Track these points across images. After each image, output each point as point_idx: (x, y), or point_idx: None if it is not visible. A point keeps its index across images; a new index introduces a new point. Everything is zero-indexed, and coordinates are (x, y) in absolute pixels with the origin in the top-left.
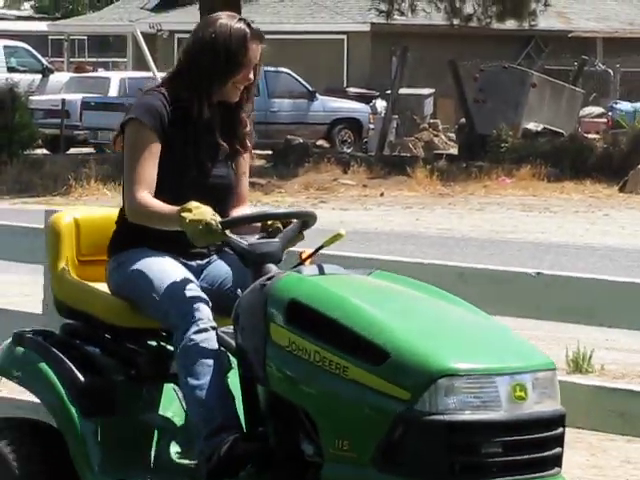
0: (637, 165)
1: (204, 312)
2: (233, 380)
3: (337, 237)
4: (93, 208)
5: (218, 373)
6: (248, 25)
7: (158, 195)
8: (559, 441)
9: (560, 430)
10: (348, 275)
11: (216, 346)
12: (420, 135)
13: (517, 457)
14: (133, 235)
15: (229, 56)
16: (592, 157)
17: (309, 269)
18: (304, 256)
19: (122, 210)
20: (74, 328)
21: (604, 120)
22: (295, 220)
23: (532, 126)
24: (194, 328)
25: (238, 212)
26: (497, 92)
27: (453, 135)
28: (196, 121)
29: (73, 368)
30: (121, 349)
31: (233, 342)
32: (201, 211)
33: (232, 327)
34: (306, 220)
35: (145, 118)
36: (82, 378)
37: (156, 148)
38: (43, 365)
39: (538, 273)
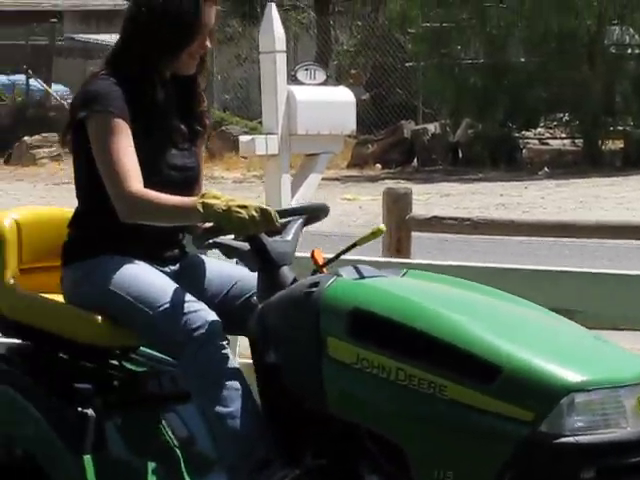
0: (21, 138)
1: (216, 326)
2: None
3: (377, 233)
4: (31, 208)
5: (248, 397)
6: None
7: None
8: None
9: None
10: (401, 278)
11: (237, 365)
12: None
13: None
14: (99, 239)
15: (182, 22)
16: None
17: (346, 271)
18: (318, 257)
19: (82, 212)
20: (24, 350)
21: None
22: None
23: None
24: (209, 346)
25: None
26: None
27: None
28: (151, 103)
29: (53, 398)
30: (92, 371)
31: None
32: (233, 198)
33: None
34: (317, 215)
35: (111, 106)
36: (67, 410)
37: (130, 137)
38: (17, 397)
39: None
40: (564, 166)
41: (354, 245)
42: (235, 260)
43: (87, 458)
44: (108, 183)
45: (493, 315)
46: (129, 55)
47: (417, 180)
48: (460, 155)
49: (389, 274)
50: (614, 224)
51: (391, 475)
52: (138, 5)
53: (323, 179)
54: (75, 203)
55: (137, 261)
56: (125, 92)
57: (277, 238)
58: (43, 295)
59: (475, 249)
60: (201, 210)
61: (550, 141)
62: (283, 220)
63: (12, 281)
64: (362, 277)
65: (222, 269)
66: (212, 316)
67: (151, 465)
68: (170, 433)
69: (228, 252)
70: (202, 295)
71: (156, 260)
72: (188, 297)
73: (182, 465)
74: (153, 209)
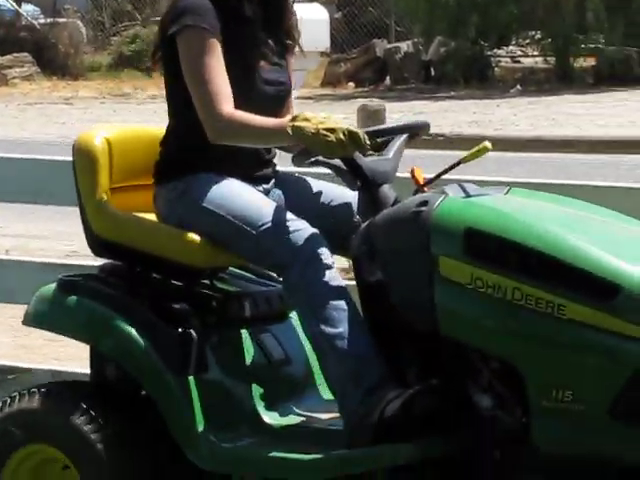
0: None
1: (322, 245)
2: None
3: (482, 150)
4: (119, 126)
5: (356, 317)
6: None
7: None
8: None
9: None
10: (508, 196)
11: (344, 285)
12: None
13: None
14: (194, 157)
15: None
16: None
17: (452, 190)
18: (419, 176)
19: (175, 130)
20: (117, 270)
21: None
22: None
23: None
24: (316, 265)
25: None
26: None
27: None
28: (240, 18)
29: (154, 318)
30: (187, 291)
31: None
32: (323, 119)
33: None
34: (416, 132)
35: (204, 22)
36: (169, 330)
37: (221, 56)
38: (114, 316)
39: None
40: (536, 84)
41: (458, 163)
42: (333, 178)
43: (190, 380)
44: (198, 104)
45: (607, 233)
46: None
47: (390, 98)
48: (433, 73)
49: (494, 192)
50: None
51: (503, 396)
52: None
53: (297, 98)
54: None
55: (233, 179)
56: (215, 7)
57: (375, 157)
58: (136, 214)
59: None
60: (291, 133)
61: (522, 59)
62: (380, 140)
63: (105, 200)
64: (469, 195)
65: (317, 188)
66: (317, 235)
67: (250, 386)
68: (267, 353)
69: (330, 169)
70: (297, 214)
71: (250, 178)
72: (290, 215)
73: (279, 386)
74: (243, 131)
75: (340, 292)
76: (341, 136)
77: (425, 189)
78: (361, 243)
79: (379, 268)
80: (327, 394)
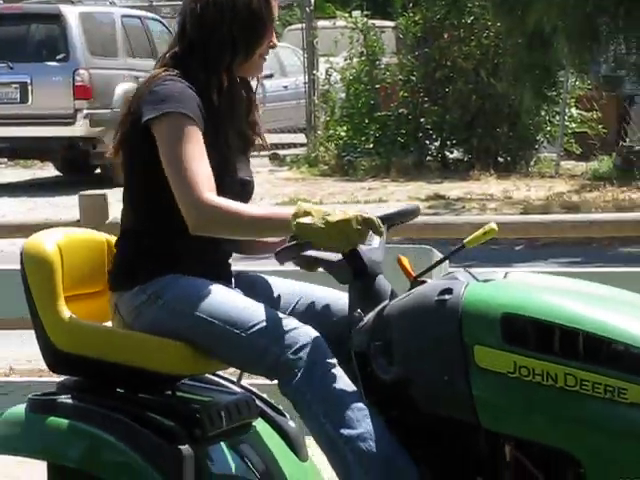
0: None
1: (322, 343)
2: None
3: (489, 233)
4: (64, 230)
5: (373, 414)
6: None
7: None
8: None
9: None
10: (526, 278)
11: (351, 383)
12: None
13: None
14: (161, 258)
15: (255, 19)
16: None
17: (464, 276)
18: (408, 266)
19: (136, 230)
20: (81, 385)
21: None
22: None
23: None
24: (322, 366)
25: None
26: None
27: None
28: (218, 110)
29: (150, 435)
30: (170, 404)
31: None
32: (328, 212)
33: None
34: (410, 218)
35: (186, 109)
36: (164, 447)
37: (203, 144)
38: (103, 435)
39: None
40: None
41: (462, 247)
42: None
43: None
44: (181, 191)
45: (635, 310)
46: (197, 58)
47: None
48: None
49: (495, 276)
50: None
51: None
52: (199, 5)
53: None
54: None
55: (204, 280)
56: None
57: (369, 247)
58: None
59: None
60: (294, 229)
61: None
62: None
63: (64, 310)
64: (486, 280)
65: (282, 285)
66: (314, 332)
67: None
68: (252, 466)
69: (314, 265)
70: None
71: (218, 278)
72: (279, 314)
73: None
74: (233, 220)
75: (352, 391)
76: (357, 226)
77: (417, 279)
78: (370, 337)
79: (398, 362)
80: None
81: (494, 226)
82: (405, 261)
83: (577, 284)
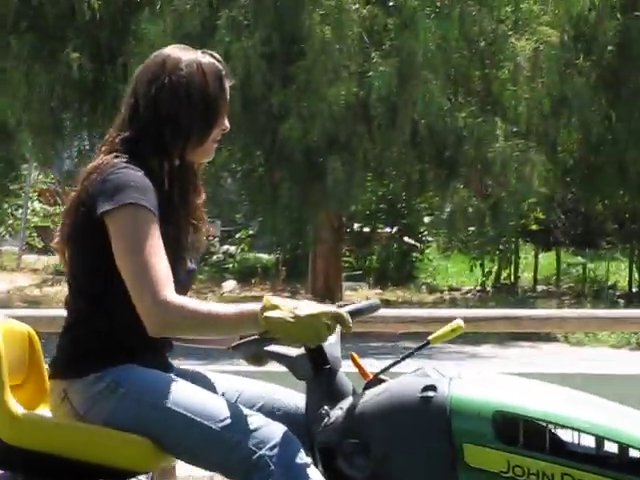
0: None
1: (295, 440)
2: None
3: (456, 330)
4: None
5: None
6: (215, 58)
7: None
8: None
9: None
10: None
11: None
12: None
13: None
14: (113, 347)
15: (209, 104)
16: None
17: (432, 372)
18: (360, 363)
19: (86, 318)
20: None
21: None
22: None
23: None
24: (300, 464)
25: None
26: None
27: None
28: (170, 194)
29: None
30: None
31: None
32: (295, 305)
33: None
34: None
35: (145, 200)
36: None
37: (160, 238)
38: None
39: None
40: None
41: (427, 343)
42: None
43: None
44: (139, 290)
45: (620, 411)
46: (149, 143)
47: None
48: None
49: (467, 374)
50: None
51: None
52: (154, 88)
53: None
54: None
55: (161, 372)
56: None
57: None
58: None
59: None
60: (263, 323)
61: None
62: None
63: (13, 402)
64: (463, 377)
65: (218, 379)
66: (283, 428)
67: None
68: None
69: (264, 360)
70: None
71: (165, 370)
72: (246, 409)
73: None
74: (200, 321)
75: None
76: (327, 320)
77: (373, 378)
78: (341, 435)
79: (377, 461)
80: None
81: (461, 323)
82: (358, 359)
83: (542, 385)
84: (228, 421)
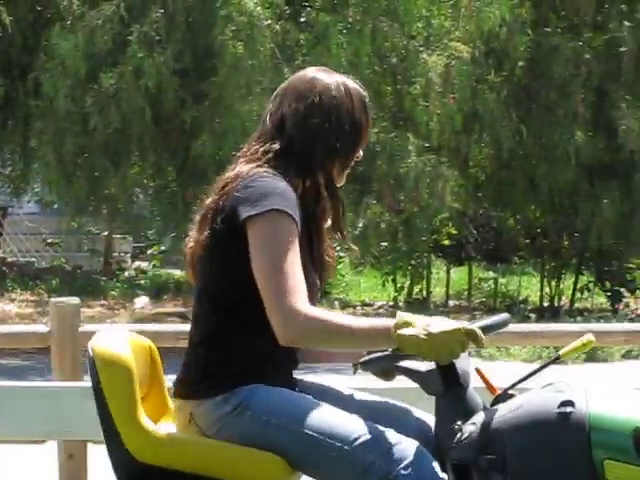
0: None
1: (431, 459)
2: None
3: (587, 345)
4: (126, 332)
5: None
6: (357, 83)
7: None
8: None
9: None
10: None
11: None
12: None
13: None
14: (246, 366)
15: (356, 127)
16: None
17: (564, 386)
18: (487, 378)
19: (214, 335)
20: None
21: None
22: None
23: None
24: None
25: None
26: None
27: None
28: (312, 214)
29: None
30: None
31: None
32: (428, 322)
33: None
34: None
35: (289, 208)
36: None
37: (299, 249)
38: None
39: None
40: None
41: (557, 358)
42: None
43: None
44: (274, 298)
45: None
46: (294, 159)
47: None
48: None
49: (599, 388)
50: None
51: None
52: (303, 106)
53: None
54: None
55: (289, 390)
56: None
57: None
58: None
59: None
60: (396, 340)
61: None
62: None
63: (144, 418)
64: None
65: (341, 392)
66: (415, 444)
67: None
68: None
69: (393, 374)
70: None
71: (291, 388)
72: (379, 426)
73: None
74: (332, 332)
75: None
76: (460, 337)
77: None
78: (478, 451)
79: (512, 478)
80: None
81: (592, 337)
82: (484, 373)
83: None
84: (360, 440)
